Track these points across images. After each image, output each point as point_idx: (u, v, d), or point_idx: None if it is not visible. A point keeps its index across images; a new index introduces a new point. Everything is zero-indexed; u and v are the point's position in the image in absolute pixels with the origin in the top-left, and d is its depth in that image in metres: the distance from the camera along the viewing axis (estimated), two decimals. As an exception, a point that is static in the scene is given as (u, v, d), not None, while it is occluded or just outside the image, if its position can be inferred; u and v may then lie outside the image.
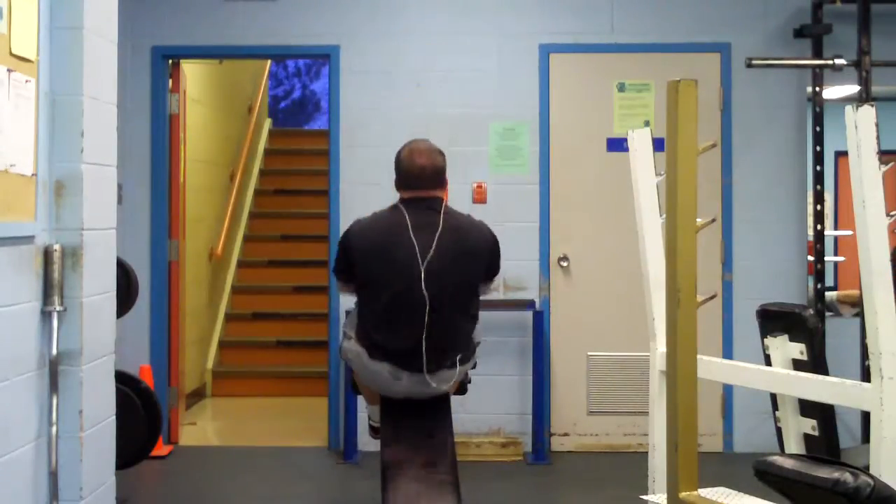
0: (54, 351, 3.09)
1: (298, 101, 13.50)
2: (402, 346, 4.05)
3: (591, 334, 6.46)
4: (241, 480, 5.83)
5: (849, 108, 2.87)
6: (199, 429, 7.22)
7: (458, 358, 4.11)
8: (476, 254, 4.15)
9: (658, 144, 3.54)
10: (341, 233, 4.37)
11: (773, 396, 3.71)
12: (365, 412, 4.88)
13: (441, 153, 4.23)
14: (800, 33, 6.33)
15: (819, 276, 6.28)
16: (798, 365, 3.52)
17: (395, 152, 4.26)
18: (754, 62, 6.06)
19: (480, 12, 6.55)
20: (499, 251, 4.26)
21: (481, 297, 4.29)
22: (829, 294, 6.77)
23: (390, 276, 4.04)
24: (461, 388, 4.46)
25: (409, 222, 4.06)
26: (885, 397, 2.84)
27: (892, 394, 2.83)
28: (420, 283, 4.00)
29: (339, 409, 6.36)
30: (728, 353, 6.33)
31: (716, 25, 6.48)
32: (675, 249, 2.71)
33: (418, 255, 4.02)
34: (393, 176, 4.25)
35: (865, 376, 5.05)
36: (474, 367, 4.35)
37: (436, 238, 4.05)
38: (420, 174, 4.14)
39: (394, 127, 6.38)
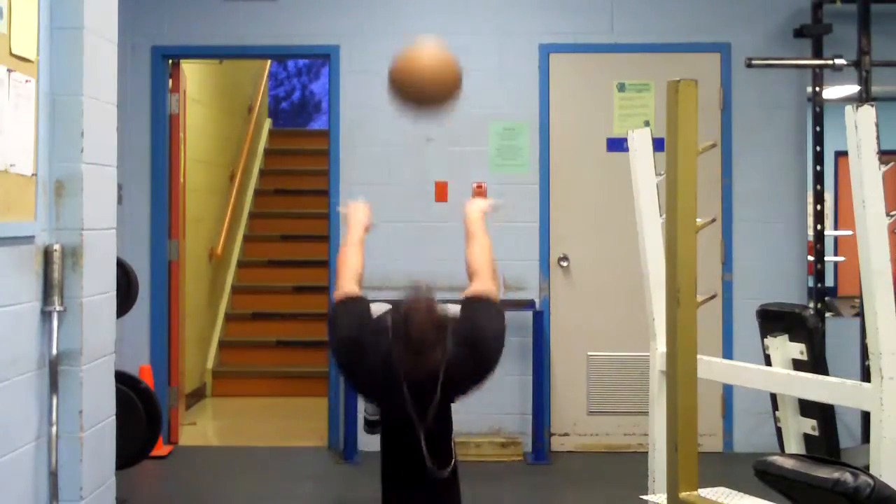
0: (54, 351, 3.09)
1: (298, 101, 13.49)
2: None
3: (591, 334, 6.46)
4: (241, 480, 5.83)
5: (849, 108, 2.88)
6: (199, 429, 7.22)
7: None
8: None
9: (658, 144, 3.54)
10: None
11: (773, 396, 3.71)
12: (364, 412, 4.86)
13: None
14: (800, 33, 6.33)
15: (819, 276, 6.28)
16: (798, 365, 3.52)
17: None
18: (754, 62, 6.06)
19: (480, 12, 6.55)
20: None
21: None
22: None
23: None
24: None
25: None
26: (885, 397, 2.84)
27: (892, 394, 2.83)
28: None
29: (339, 409, 6.36)
30: (728, 353, 6.33)
31: (716, 25, 6.48)
32: (675, 249, 2.71)
33: None
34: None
35: (865, 376, 5.05)
36: None
37: None
38: None
39: (394, 127, 6.38)
